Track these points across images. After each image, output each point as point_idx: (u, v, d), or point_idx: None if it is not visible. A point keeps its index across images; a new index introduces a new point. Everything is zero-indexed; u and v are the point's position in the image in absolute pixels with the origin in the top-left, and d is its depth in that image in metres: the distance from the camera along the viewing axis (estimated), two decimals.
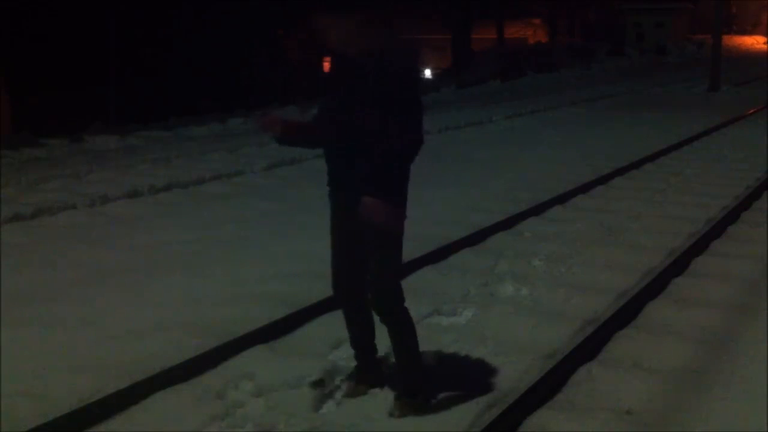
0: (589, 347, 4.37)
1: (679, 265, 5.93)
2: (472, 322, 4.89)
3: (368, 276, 3.54)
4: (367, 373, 3.88)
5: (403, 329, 3.60)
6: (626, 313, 4.91)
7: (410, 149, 3.37)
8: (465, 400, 3.79)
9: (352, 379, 3.94)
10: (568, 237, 6.84)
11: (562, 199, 8.30)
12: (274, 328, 4.66)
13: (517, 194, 8.62)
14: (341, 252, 3.65)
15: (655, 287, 5.41)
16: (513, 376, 4.08)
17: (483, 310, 5.07)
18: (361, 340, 3.83)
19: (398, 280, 3.60)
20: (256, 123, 3.72)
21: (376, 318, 3.69)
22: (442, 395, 3.83)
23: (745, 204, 8.04)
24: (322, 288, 5.02)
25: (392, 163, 3.34)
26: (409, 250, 5.94)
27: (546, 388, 3.88)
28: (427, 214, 7.44)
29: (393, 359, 3.80)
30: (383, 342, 3.80)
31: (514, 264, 6.04)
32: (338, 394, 3.90)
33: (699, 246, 6.46)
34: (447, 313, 5.03)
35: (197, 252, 6.55)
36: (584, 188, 8.88)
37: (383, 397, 3.78)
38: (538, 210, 7.77)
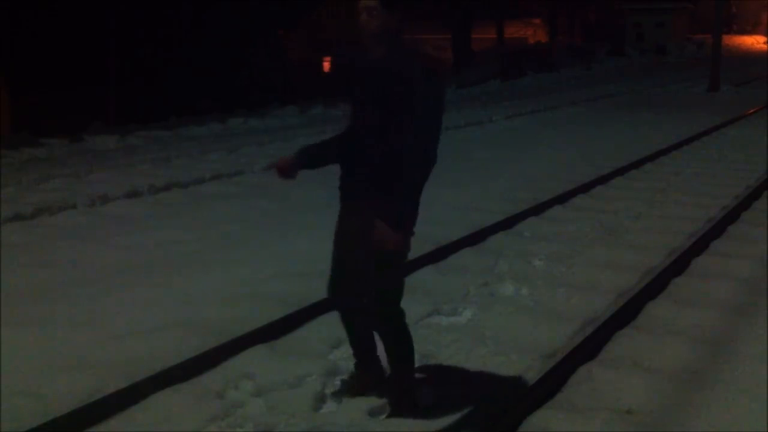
0: (589, 347, 4.37)
1: (679, 264, 5.93)
2: (472, 322, 4.89)
3: (373, 286, 3.48)
4: (368, 371, 3.86)
5: (400, 338, 3.56)
6: (626, 313, 4.90)
7: (413, 154, 3.31)
8: (465, 399, 3.79)
9: (352, 379, 3.93)
10: (568, 237, 6.84)
11: (562, 199, 8.30)
12: (274, 328, 4.66)
13: (517, 194, 8.62)
14: (347, 256, 3.59)
15: (655, 287, 5.41)
16: (513, 376, 4.08)
17: (483, 310, 5.07)
18: (362, 341, 3.82)
19: (402, 288, 3.56)
20: (270, 169, 3.70)
21: None
22: (442, 395, 3.82)
23: (745, 204, 8.04)
24: (322, 288, 5.01)
25: (393, 167, 3.32)
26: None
27: (546, 388, 3.88)
28: (427, 214, 7.36)
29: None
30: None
31: (514, 264, 6.03)
32: (338, 394, 3.90)
33: (699, 246, 6.46)
34: (447, 313, 5.03)
35: (197, 252, 6.55)
36: (584, 188, 8.88)
37: (383, 398, 3.78)
38: (538, 210, 7.77)
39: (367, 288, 3.52)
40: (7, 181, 9.38)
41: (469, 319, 4.96)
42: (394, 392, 3.67)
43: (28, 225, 7.52)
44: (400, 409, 3.62)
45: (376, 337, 3.78)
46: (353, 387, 3.87)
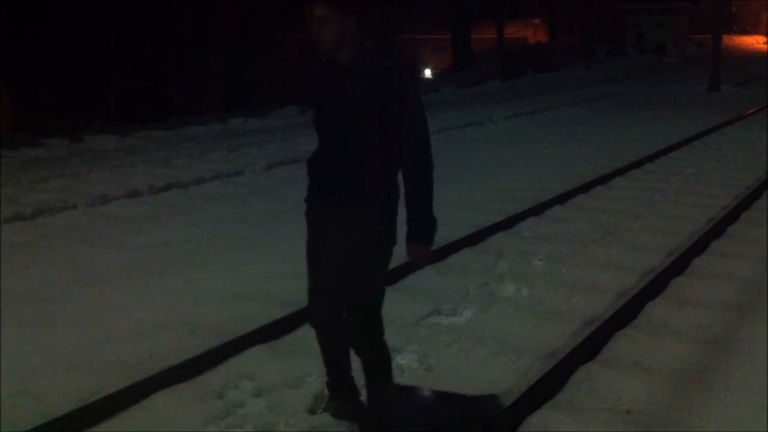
0: (589, 347, 4.37)
1: (679, 264, 5.93)
2: (472, 322, 4.89)
3: (357, 300, 3.33)
4: (344, 396, 3.63)
5: (383, 355, 3.44)
6: (626, 313, 4.90)
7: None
8: (465, 399, 3.79)
9: (329, 407, 3.68)
10: (568, 237, 6.84)
11: (562, 199, 8.30)
12: (274, 328, 4.66)
13: (517, 194, 8.62)
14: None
15: (655, 287, 5.41)
16: (513, 376, 4.08)
17: (483, 310, 5.07)
18: (340, 355, 3.56)
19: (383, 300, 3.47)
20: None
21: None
22: (441, 395, 3.82)
23: (745, 204, 8.03)
24: None
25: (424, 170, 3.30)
26: None
27: (546, 388, 3.88)
28: None
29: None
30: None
31: (514, 264, 6.03)
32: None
33: (699, 246, 6.46)
34: (447, 313, 5.03)
35: (197, 252, 6.55)
36: (584, 188, 8.88)
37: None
38: (538, 210, 7.77)
39: (347, 302, 3.32)
40: (7, 181, 9.38)
41: (469, 319, 4.96)
42: (368, 409, 3.50)
43: (28, 225, 7.52)
44: (367, 425, 3.47)
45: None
46: (335, 414, 3.65)
